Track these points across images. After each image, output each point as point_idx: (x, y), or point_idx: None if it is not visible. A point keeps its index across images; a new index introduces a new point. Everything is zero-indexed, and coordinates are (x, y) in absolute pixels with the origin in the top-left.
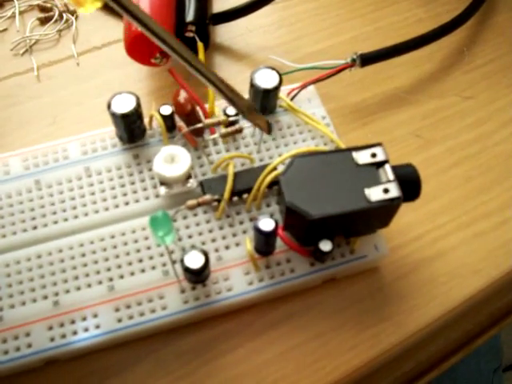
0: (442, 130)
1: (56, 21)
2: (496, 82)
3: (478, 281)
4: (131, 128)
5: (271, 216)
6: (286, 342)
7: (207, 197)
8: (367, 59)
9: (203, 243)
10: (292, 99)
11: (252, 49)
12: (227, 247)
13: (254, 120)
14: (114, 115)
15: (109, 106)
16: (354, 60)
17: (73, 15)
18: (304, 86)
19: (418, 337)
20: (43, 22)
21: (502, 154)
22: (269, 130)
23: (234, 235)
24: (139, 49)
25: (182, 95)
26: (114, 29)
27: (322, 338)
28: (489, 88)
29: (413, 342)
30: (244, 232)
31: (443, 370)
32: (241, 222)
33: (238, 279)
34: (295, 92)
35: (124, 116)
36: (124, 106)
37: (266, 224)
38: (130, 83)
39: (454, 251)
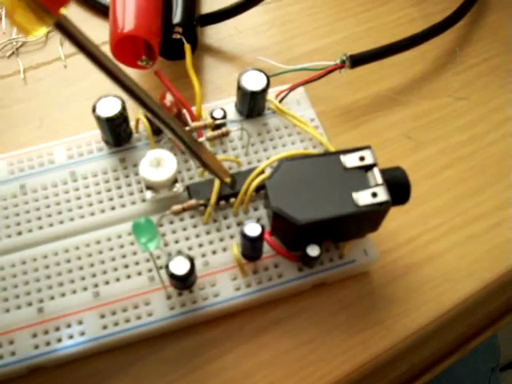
0: (434, 132)
1: None
2: (489, 82)
3: (471, 284)
4: (117, 132)
5: (258, 220)
6: (275, 348)
7: (192, 202)
8: (357, 60)
9: (190, 248)
10: (281, 101)
11: (241, 50)
12: (214, 252)
13: (215, 172)
14: (99, 119)
15: (94, 110)
16: (343, 61)
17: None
18: (293, 88)
19: (409, 341)
20: None
21: (495, 155)
22: (232, 185)
23: (221, 240)
24: (125, 51)
25: (168, 98)
26: (101, 30)
27: (312, 343)
28: (482, 88)
29: (404, 346)
30: (231, 237)
31: (437, 373)
32: (228, 227)
33: (225, 285)
34: (284, 94)
35: (109, 119)
36: (109, 109)
37: (252, 229)
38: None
39: (446, 254)
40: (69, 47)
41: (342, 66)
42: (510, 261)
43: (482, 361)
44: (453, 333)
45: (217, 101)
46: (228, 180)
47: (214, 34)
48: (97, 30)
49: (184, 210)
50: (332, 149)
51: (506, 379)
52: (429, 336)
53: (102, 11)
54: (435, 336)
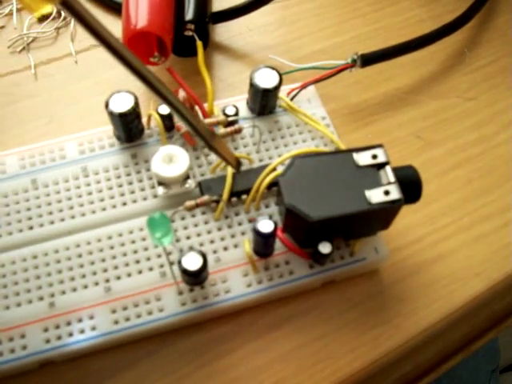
0: (442, 132)
1: (54, 18)
2: (497, 83)
3: (479, 284)
4: (129, 127)
5: (270, 217)
6: (285, 344)
7: (205, 198)
8: (368, 60)
9: (201, 244)
10: (292, 99)
11: (252, 48)
12: (226, 248)
13: (219, 153)
14: (111, 114)
15: (106, 105)
16: (354, 60)
17: None
18: (304, 86)
19: (417, 340)
20: (41, 19)
21: (503, 155)
22: (237, 167)
23: (233, 236)
24: (137, 47)
25: (181, 94)
26: (113, 26)
27: (321, 340)
28: (490, 89)
29: (412, 345)
30: (243, 233)
31: (441, 373)
32: (239, 224)
33: (236, 281)
34: (295, 92)
35: (122, 115)
36: (122, 105)
37: (265, 226)
38: (129, 82)
39: (455, 254)
40: (80, 43)
41: (352, 65)
42: None
43: (483, 363)
44: (457, 333)
45: (228, 98)
46: (234, 163)
47: (225, 31)
48: (109, 27)
49: (197, 205)
50: (343, 147)
51: (506, 381)
52: (435, 335)
53: (114, 8)
54: (441, 335)
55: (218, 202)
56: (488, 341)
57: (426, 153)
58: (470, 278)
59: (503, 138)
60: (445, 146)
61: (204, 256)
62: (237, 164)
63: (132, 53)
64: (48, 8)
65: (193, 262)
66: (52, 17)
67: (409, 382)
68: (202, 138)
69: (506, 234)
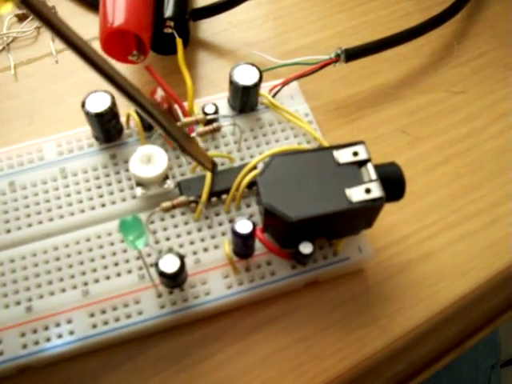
0: (430, 127)
1: (33, 18)
2: (486, 76)
3: (466, 282)
4: (107, 127)
5: (251, 217)
6: (268, 346)
7: (182, 198)
8: (352, 54)
9: (181, 246)
10: (274, 96)
11: (235, 44)
12: (205, 250)
13: (193, 155)
14: (88, 114)
15: (83, 105)
16: (338, 55)
17: None
18: (286, 83)
19: (404, 340)
20: (21, 18)
21: (492, 150)
22: (212, 169)
23: (213, 237)
24: (115, 46)
25: (159, 94)
26: (93, 26)
27: (305, 341)
28: (479, 83)
29: (399, 345)
30: (223, 234)
31: (436, 370)
32: (220, 224)
33: (216, 283)
34: (277, 89)
35: (98, 115)
36: (99, 105)
37: (244, 226)
38: None
39: (442, 252)
40: (60, 43)
41: (336, 60)
42: (505, 259)
43: (483, 357)
44: (450, 330)
45: (210, 96)
46: (209, 166)
47: (208, 28)
48: (90, 26)
49: (174, 206)
50: (326, 144)
51: (506, 375)
52: (426, 334)
53: (95, 6)
54: (433, 333)
55: (197, 202)
56: (483, 337)
57: (413, 149)
58: (457, 277)
59: (492, 132)
60: (432, 142)
61: (181, 258)
62: (212, 166)
63: (96, 52)
64: (8, 8)
65: (170, 265)
66: (32, 16)
67: (403, 380)
68: (175, 140)
69: (494, 230)
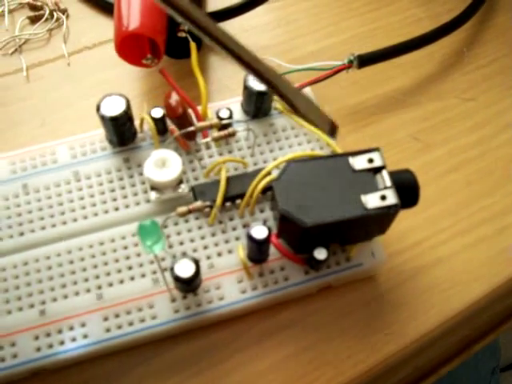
0: (441, 133)
1: (46, 19)
2: (497, 83)
3: (478, 288)
4: (121, 131)
5: (265, 222)
6: (280, 352)
7: (198, 203)
8: (365, 60)
9: (195, 250)
10: None
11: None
12: (219, 254)
13: (311, 116)
14: (103, 118)
15: (98, 109)
16: (351, 61)
17: (63, 14)
18: (300, 88)
19: (416, 346)
20: (33, 20)
21: (503, 157)
22: (332, 131)
23: (227, 242)
24: (129, 49)
25: (174, 98)
26: (106, 28)
27: (317, 347)
28: (489, 90)
29: (411, 350)
30: (237, 239)
31: (441, 375)
32: (234, 229)
33: (230, 288)
34: None
35: (113, 119)
36: (114, 108)
37: (259, 232)
38: (122, 84)
39: (454, 258)
40: (72, 44)
41: (349, 66)
42: None
43: (483, 361)
44: (458, 335)
45: (223, 100)
46: (327, 128)
47: None
48: (103, 28)
49: (190, 211)
50: (339, 150)
51: (506, 380)
52: (435, 339)
53: (107, 9)
54: (440, 339)
55: (211, 207)
56: (488, 343)
57: (425, 155)
58: (470, 283)
59: (503, 139)
60: (443, 148)
61: (197, 263)
62: (331, 128)
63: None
64: None
65: (185, 269)
66: (44, 18)
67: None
68: (285, 98)
69: (506, 236)
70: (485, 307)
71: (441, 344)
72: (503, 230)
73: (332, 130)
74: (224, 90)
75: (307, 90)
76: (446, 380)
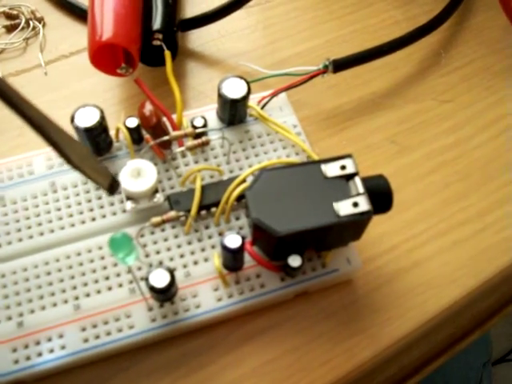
0: (418, 136)
1: (23, 28)
2: (474, 84)
3: (455, 291)
4: (96, 142)
5: (240, 229)
6: (259, 357)
7: (172, 213)
8: (340, 65)
9: (171, 259)
10: (263, 107)
11: (224, 54)
12: (196, 263)
13: (91, 174)
14: (77, 129)
15: (72, 120)
16: (326, 66)
17: (40, 22)
18: (275, 94)
19: (393, 349)
20: (9, 29)
21: (480, 158)
22: (112, 188)
23: (203, 250)
24: (104, 59)
25: (147, 108)
26: (83, 36)
27: (296, 352)
28: (467, 91)
29: (388, 354)
30: (213, 247)
31: (427, 374)
32: (209, 237)
33: (206, 296)
34: (266, 100)
35: (88, 130)
36: (88, 119)
37: (233, 240)
38: (100, 93)
39: (431, 261)
40: (49, 53)
41: (324, 71)
42: (494, 266)
43: (475, 355)
44: (440, 334)
45: (199, 108)
46: (106, 184)
47: (197, 38)
48: (79, 36)
49: (164, 221)
50: (314, 155)
51: (498, 373)
52: (416, 339)
53: (84, 17)
54: (423, 339)
55: (187, 216)
56: (473, 341)
57: (402, 158)
58: (446, 286)
59: (480, 140)
60: (421, 151)
61: (171, 272)
62: (110, 184)
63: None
64: None
65: (160, 279)
66: (21, 27)
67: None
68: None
69: (483, 238)
70: (465, 307)
71: (424, 343)
72: (480, 232)
73: (112, 187)
74: (200, 97)
75: (282, 96)
76: (437, 374)
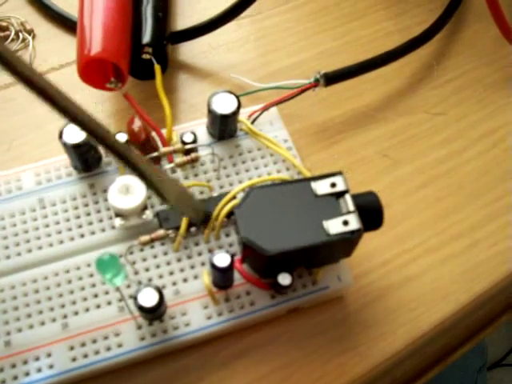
0: (410, 149)
1: (12, 40)
2: (466, 96)
3: (447, 306)
4: (85, 157)
5: (230, 247)
6: (250, 374)
7: (161, 232)
8: (331, 79)
9: (160, 276)
10: (253, 122)
11: (215, 67)
12: (185, 280)
13: (185, 210)
14: (65, 145)
15: (60, 136)
16: (317, 80)
17: (30, 34)
18: (266, 108)
19: (386, 365)
20: None
21: (473, 171)
22: (203, 223)
23: (192, 267)
24: (93, 73)
25: (136, 124)
26: (73, 48)
27: (286, 369)
28: (459, 103)
29: (380, 370)
30: (202, 264)
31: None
32: (199, 254)
33: (196, 314)
34: (257, 114)
35: (76, 146)
36: (77, 134)
37: (222, 259)
38: (90, 106)
39: (422, 276)
40: (40, 65)
41: (315, 84)
42: (486, 281)
43: (470, 360)
44: (434, 346)
45: (189, 122)
46: (198, 220)
47: (187, 50)
48: (70, 48)
49: (152, 240)
50: (305, 171)
51: (492, 378)
52: (408, 355)
53: (74, 29)
54: (416, 351)
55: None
56: (467, 351)
57: (394, 172)
58: (438, 301)
59: (472, 153)
60: (413, 164)
61: (160, 291)
62: (201, 220)
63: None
64: None
65: (148, 298)
66: (10, 39)
67: None
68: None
69: (475, 253)
70: (458, 321)
71: (417, 355)
72: (472, 247)
73: (204, 222)
74: (191, 110)
75: (273, 110)
76: (433, 379)
